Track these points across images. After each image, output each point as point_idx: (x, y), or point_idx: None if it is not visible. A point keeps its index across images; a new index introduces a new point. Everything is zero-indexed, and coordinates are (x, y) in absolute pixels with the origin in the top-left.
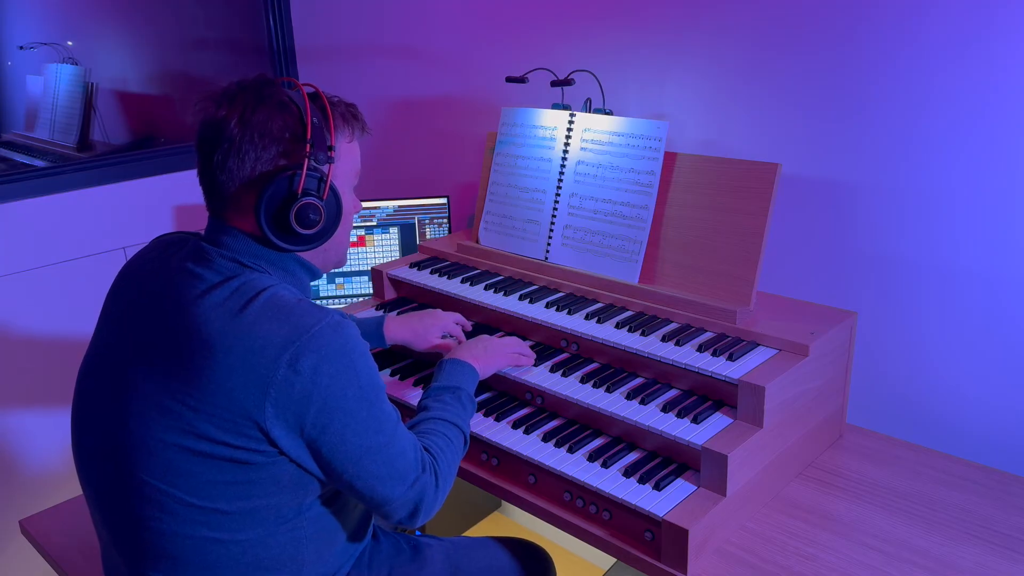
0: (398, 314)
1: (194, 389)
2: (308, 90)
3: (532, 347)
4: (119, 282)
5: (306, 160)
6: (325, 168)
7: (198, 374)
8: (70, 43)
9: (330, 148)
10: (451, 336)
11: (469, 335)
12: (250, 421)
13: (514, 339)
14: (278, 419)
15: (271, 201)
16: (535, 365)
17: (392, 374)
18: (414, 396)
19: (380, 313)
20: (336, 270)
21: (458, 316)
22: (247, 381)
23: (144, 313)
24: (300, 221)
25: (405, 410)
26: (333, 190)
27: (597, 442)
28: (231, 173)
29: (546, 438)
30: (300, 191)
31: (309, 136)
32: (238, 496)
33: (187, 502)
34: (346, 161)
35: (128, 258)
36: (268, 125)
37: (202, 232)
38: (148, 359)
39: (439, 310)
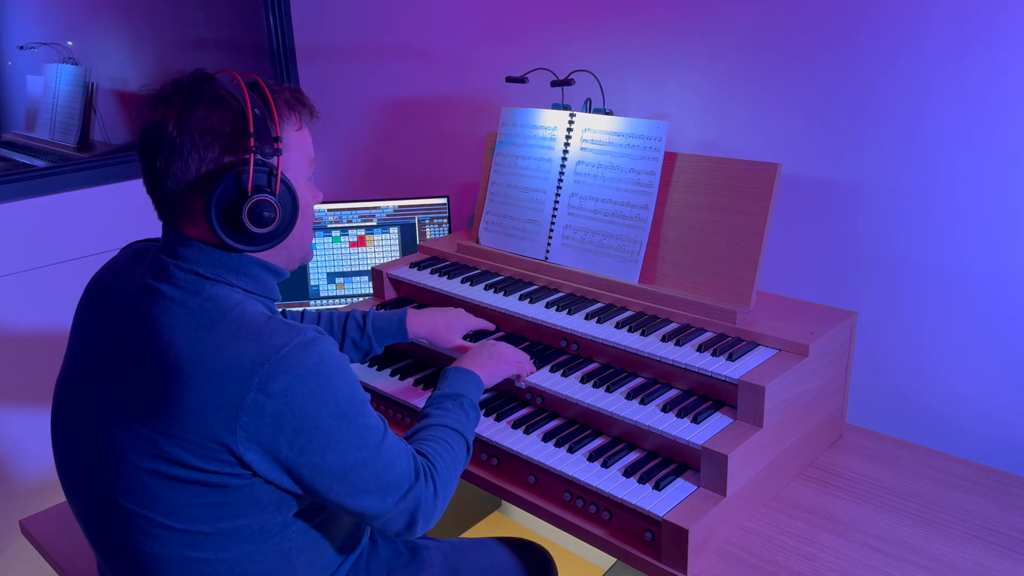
0: (418, 306)
1: (163, 413)
2: (247, 80)
3: (532, 347)
4: (88, 295)
5: (251, 155)
6: (273, 161)
7: (166, 399)
8: (70, 43)
9: (275, 139)
10: (475, 334)
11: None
12: (221, 446)
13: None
14: (251, 443)
15: (220, 202)
16: (536, 368)
17: (392, 374)
18: (414, 396)
19: (401, 308)
20: (337, 270)
21: (484, 322)
22: (216, 405)
23: (110, 333)
24: (254, 220)
25: (404, 411)
26: (286, 183)
27: (597, 442)
28: (176, 178)
29: (546, 438)
30: (250, 188)
31: (252, 129)
32: (218, 518)
33: (166, 525)
34: (296, 151)
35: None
36: (207, 123)
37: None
38: (117, 383)
39: (461, 309)
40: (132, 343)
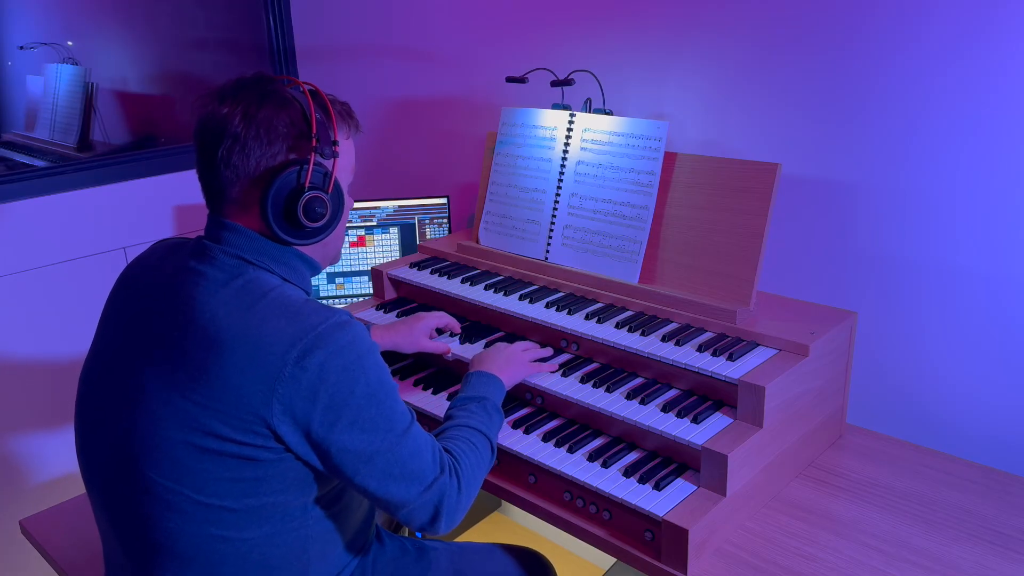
0: (416, 307)
1: (202, 386)
2: (307, 88)
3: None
4: (121, 285)
5: (312, 154)
6: (329, 163)
7: (206, 371)
8: (70, 43)
9: (334, 143)
10: (443, 332)
11: (462, 333)
12: (257, 418)
13: (527, 344)
14: (285, 415)
15: (278, 195)
16: (544, 360)
17: (392, 374)
18: (415, 397)
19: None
20: (337, 270)
21: (443, 314)
22: (255, 378)
23: (149, 313)
24: (307, 214)
25: None
26: (336, 184)
27: (597, 442)
28: (236, 169)
29: (546, 438)
30: (307, 184)
31: (315, 131)
32: (245, 494)
33: (194, 499)
34: (345, 158)
35: (128, 258)
36: (273, 121)
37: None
38: (155, 357)
39: (423, 312)
40: (173, 321)
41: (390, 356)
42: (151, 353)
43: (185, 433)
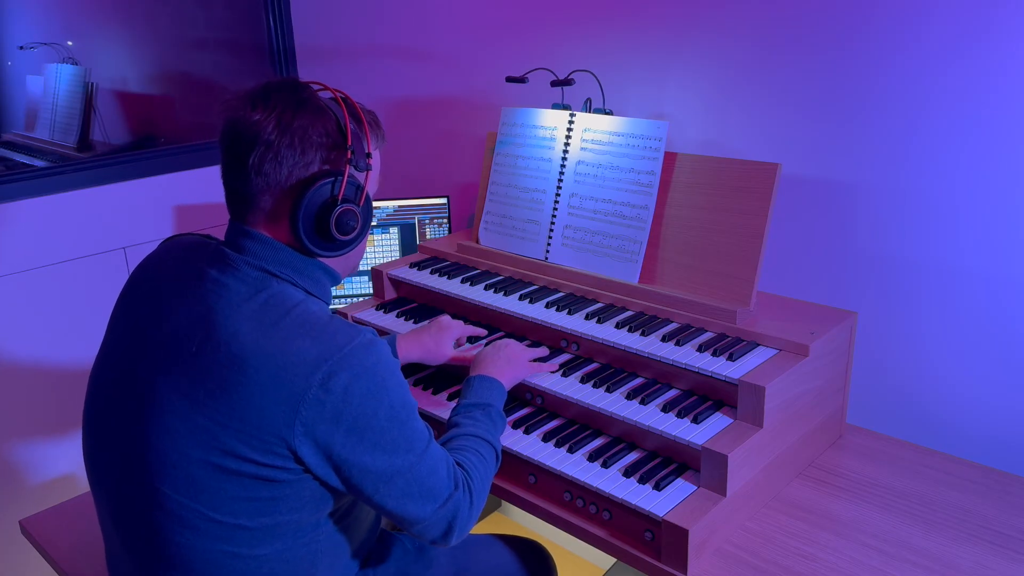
0: (402, 319)
1: (223, 404)
2: (340, 96)
3: (532, 347)
4: (133, 287)
5: (347, 167)
6: (362, 176)
7: (227, 389)
8: (70, 43)
9: (368, 155)
10: (465, 340)
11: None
12: (279, 439)
13: (526, 343)
14: (307, 437)
15: (310, 207)
16: (544, 360)
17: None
18: (415, 397)
19: (390, 333)
20: None
21: (469, 326)
22: (278, 399)
23: (166, 322)
24: (340, 227)
25: None
26: (367, 197)
27: (597, 442)
28: (267, 177)
29: (546, 438)
30: (341, 197)
31: (350, 143)
32: (261, 512)
33: (208, 517)
34: (374, 170)
35: (128, 258)
36: (308, 131)
37: (216, 235)
38: (172, 370)
39: (444, 318)
40: (191, 332)
41: None
42: (167, 363)
43: (203, 451)
